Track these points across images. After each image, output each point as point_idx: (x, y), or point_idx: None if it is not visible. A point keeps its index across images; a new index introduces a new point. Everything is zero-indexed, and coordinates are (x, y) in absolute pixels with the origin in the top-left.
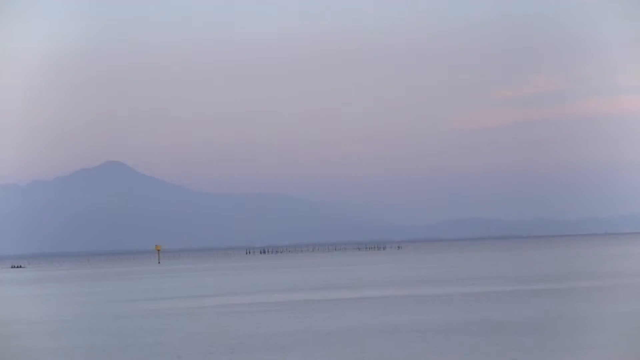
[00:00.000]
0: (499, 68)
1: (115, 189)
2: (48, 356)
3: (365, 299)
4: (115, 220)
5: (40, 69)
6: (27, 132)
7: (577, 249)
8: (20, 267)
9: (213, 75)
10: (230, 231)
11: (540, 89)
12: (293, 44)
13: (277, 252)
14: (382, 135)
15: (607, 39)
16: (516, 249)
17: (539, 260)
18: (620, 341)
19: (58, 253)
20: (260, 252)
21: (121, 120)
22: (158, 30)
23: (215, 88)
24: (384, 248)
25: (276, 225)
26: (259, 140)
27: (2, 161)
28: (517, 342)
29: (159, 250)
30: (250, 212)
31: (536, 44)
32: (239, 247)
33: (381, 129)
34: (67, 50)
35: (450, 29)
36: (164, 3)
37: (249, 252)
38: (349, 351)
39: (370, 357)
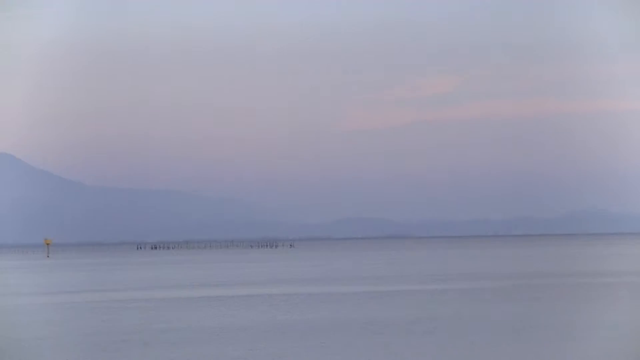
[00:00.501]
0: (393, 69)
1: (2, 181)
2: None
3: (254, 297)
4: (3, 213)
5: None
6: None
7: (466, 249)
8: None
9: (107, 69)
10: (123, 226)
11: (433, 90)
12: (182, 40)
13: (168, 248)
14: (276, 135)
15: (499, 43)
16: (405, 249)
17: (426, 260)
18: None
19: None
20: (152, 248)
21: (11, 112)
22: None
23: (111, 82)
24: (276, 246)
25: (169, 221)
26: (151, 136)
27: None
28: (398, 341)
29: (48, 244)
30: (143, 207)
31: (430, 46)
32: (130, 242)
33: (274, 128)
34: None
35: (344, 29)
36: None
37: (140, 248)
38: (238, 347)
39: (257, 355)
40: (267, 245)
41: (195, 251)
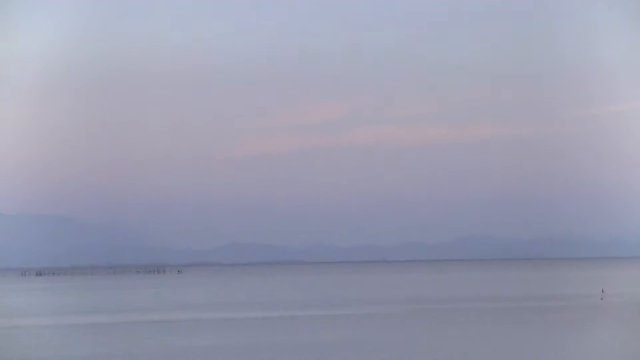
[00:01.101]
0: (284, 96)
1: None
2: None
3: (134, 323)
4: None
5: None
6: None
7: (353, 275)
8: None
9: None
10: (7, 252)
11: (323, 117)
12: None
13: (54, 274)
14: (166, 160)
15: (389, 71)
16: (293, 275)
17: (310, 287)
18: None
19: None
20: (37, 274)
21: None
22: None
23: None
24: (164, 271)
25: (55, 246)
26: (35, 159)
27: None
28: None
29: None
30: (28, 233)
31: (320, 73)
32: (15, 268)
33: (165, 154)
34: None
35: (236, 56)
36: None
37: (25, 274)
38: None
39: None
40: (154, 271)
41: (80, 277)
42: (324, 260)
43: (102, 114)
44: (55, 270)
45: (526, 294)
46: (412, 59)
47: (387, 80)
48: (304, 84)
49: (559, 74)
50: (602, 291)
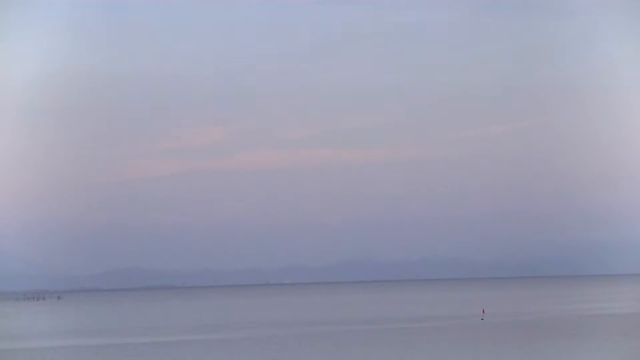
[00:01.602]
0: (160, 120)
1: None
2: None
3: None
4: None
5: None
6: None
7: (237, 299)
8: None
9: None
10: None
11: (204, 140)
12: None
13: None
14: (49, 185)
15: (272, 92)
16: (172, 299)
17: (188, 311)
18: None
19: None
20: None
21: None
22: None
23: None
24: (44, 298)
25: None
26: None
27: None
28: None
29: None
30: None
31: (200, 96)
32: None
33: (45, 179)
34: None
35: (110, 79)
36: None
37: None
38: None
39: None
40: (34, 298)
41: None
42: (206, 284)
43: None
44: None
45: (407, 315)
46: (295, 82)
47: (270, 103)
48: (182, 107)
49: (434, 97)
50: (483, 311)
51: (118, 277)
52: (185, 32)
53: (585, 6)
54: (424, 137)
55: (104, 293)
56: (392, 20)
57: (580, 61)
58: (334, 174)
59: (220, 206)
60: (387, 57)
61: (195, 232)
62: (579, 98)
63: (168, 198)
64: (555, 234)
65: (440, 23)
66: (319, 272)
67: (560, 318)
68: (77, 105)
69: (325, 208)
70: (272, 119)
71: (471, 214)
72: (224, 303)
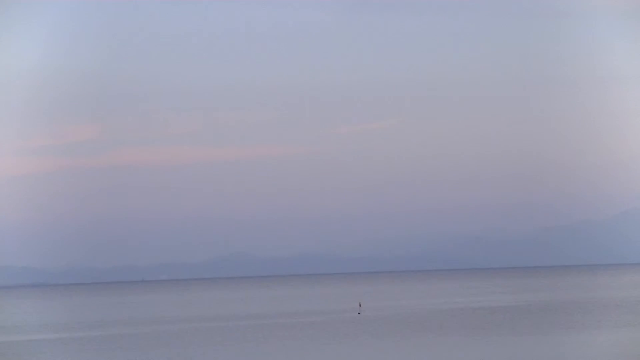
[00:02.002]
0: (35, 117)
1: None
2: None
3: None
4: None
5: None
6: None
7: (112, 297)
8: None
9: None
10: None
11: (75, 138)
12: None
13: None
14: None
15: (144, 93)
16: (45, 298)
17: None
18: None
19: None
20: None
21: None
22: None
23: None
24: None
25: None
26: None
27: None
28: None
29: None
30: None
31: (73, 94)
32: None
33: None
34: None
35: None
36: None
37: None
38: None
39: None
40: None
41: None
42: (82, 281)
43: None
44: None
45: (286, 310)
46: (171, 80)
47: (143, 100)
48: (54, 104)
49: (307, 95)
50: (360, 305)
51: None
52: (58, 28)
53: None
54: (296, 134)
55: None
56: (267, 20)
57: (442, 60)
58: (209, 171)
59: (93, 204)
60: (262, 56)
61: (66, 229)
62: (441, 98)
63: (42, 195)
64: (429, 229)
65: (316, 23)
66: (195, 268)
67: (426, 312)
68: None
69: (200, 205)
70: (148, 116)
71: (345, 210)
72: (97, 301)
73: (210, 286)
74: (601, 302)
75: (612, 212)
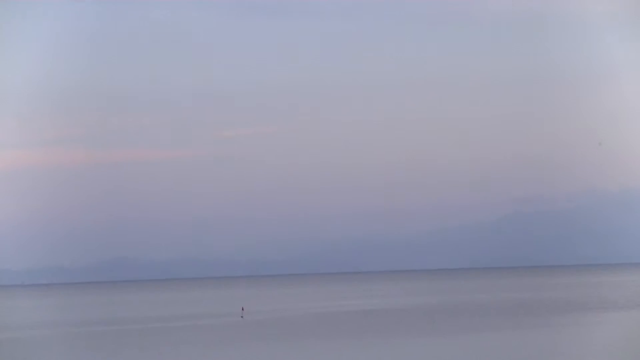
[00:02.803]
0: None
1: None
2: None
3: None
4: None
5: None
6: None
7: None
8: None
9: None
10: None
11: None
12: None
13: None
14: None
15: (27, 92)
16: None
17: None
18: None
19: None
20: None
21: None
22: None
23: None
24: None
25: None
26: None
27: None
28: None
29: None
30: None
31: None
32: None
33: None
34: None
35: None
36: None
37: None
38: None
39: None
40: None
41: None
42: None
43: None
44: None
45: (165, 314)
46: (55, 81)
47: (28, 102)
48: None
49: (200, 98)
50: (242, 309)
51: None
52: None
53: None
54: (187, 136)
55: None
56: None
57: (326, 60)
58: (93, 174)
59: None
60: (147, 58)
61: None
62: (330, 102)
63: None
64: (311, 233)
65: (201, 25)
66: (77, 272)
67: (308, 315)
68: None
69: (84, 208)
70: (30, 118)
71: (227, 214)
72: None
73: (90, 290)
74: (478, 304)
75: (494, 216)
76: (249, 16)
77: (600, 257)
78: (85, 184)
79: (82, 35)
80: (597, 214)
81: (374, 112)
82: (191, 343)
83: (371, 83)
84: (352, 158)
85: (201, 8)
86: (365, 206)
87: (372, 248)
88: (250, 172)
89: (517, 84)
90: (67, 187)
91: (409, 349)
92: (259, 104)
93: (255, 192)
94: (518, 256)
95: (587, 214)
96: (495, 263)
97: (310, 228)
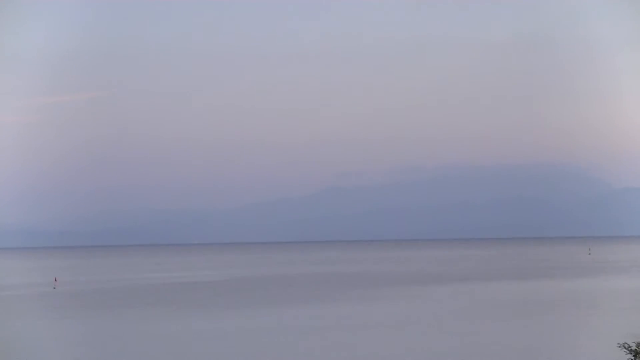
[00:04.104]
0: None
1: None
2: None
3: None
4: None
5: None
6: None
7: None
8: None
9: None
10: None
11: None
12: None
13: None
14: None
15: None
16: None
17: None
18: None
19: None
20: None
21: None
22: None
23: None
24: None
25: None
26: None
27: None
28: None
29: None
30: None
31: None
32: None
33: None
34: None
35: None
36: None
37: None
38: None
39: None
40: None
41: None
42: None
43: None
44: None
45: None
46: None
47: None
48: None
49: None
50: (55, 280)
51: None
52: None
53: None
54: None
55: None
56: None
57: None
58: None
59: None
60: None
61: None
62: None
63: None
64: (129, 205)
65: None
66: None
67: (121, 287)
68: None
69: None
70: None
71: (44, 184)
72: None
73: None
74: (292, 276)
75: (310, 191)
76: None
77: (412, 233)
78: None
79: None
80: (413, 191)
81: (200, 86)
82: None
83: (179, 51)
84: (175, 132)
85: None
86: (186, 180)
87: (194, 221)
88: (65, 140)
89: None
90: None
91: (210, 322)
92: (81, 70)
93: (76, 162)
94: (334, 230)
95: (402, 191)
96: (313, 237)
97: (129, 199)
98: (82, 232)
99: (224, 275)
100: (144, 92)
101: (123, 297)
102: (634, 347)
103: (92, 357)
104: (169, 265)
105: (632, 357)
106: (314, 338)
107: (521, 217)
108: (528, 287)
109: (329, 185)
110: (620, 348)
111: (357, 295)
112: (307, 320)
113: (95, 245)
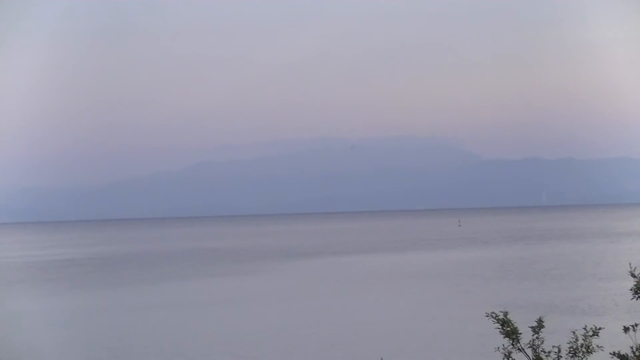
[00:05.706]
0: None
1: None
2: None
3: None
4: None
5: None
6: None
7: None
8: None
9: None
10: None
11: None
12: None
13: None
14: None
15: None
16: None
17: None
18: None
19: None
20: None
21: None
22: None
23: None
24: None
25: None
26: None
27: None
28: None
29: None
30: None
31: None
32: None
33: None
34: None
35: None
36: None
37: None
38: None
39: None
40: None
41: None
42: None
43: None
44: None
45: None
46: None
47: None
48: None
49: None
50: None
51: None
52: None
53: None
54: None
55: None
56: None
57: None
58: None
59: None
60: None
61: None
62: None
63: None
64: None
65: None
66: None
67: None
68: None
69: None
70: None
71: None
72: None
73: None
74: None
75: (185, 165)
76: None
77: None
78: None
79: None
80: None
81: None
82: None
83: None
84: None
85: None
86: (52, 155)
87: (61, 197)
88: None
89: None
90: None
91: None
92: None
93: None
94: (205, 205)
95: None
96: (184, 212)
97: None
98: None
99: (87, 253)
100: None
101: None
102: (501, 317)
103: None
104: (29, 243)
105: (500, 326)
106: (171, 315)
107: (390, 189)
108: (398, 260)
109: (199, 160)
110: (488, 317)
111: (218, 272)
112: (164, 299)
113: None
